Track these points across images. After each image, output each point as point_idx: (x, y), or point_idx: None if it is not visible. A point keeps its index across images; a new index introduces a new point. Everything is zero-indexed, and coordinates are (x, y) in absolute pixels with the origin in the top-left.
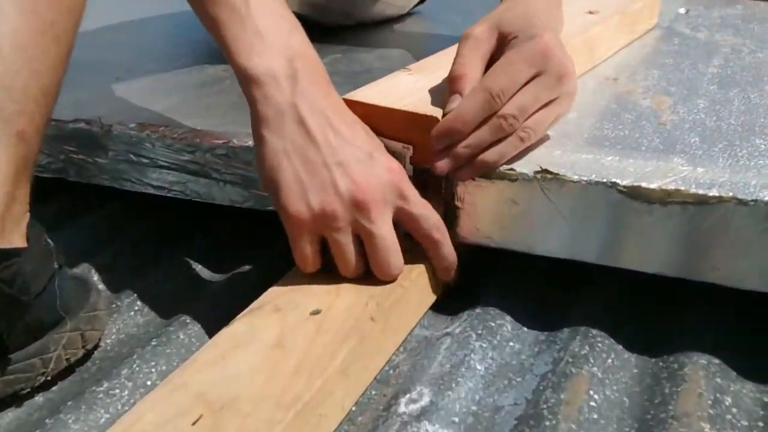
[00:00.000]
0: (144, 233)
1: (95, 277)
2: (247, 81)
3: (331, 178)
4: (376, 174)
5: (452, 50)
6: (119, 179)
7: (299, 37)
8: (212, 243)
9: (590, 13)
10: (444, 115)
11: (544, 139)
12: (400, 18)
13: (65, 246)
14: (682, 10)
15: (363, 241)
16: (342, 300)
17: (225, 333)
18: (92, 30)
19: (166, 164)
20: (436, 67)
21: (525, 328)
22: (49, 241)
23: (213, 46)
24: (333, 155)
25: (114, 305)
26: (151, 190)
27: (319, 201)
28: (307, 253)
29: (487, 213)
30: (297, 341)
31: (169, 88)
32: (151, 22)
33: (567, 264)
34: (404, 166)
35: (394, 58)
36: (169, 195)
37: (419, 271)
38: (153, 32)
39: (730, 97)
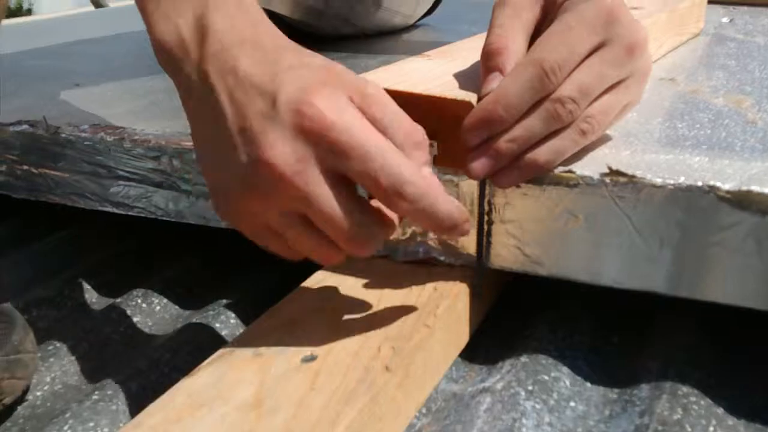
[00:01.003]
0: (102, 260)
1: (34, 313)
2: (157, 53)
3: (238, 161)
4: (279, 129)
5: (479, 37)
6: (72, 195)
7: None
8: (183, 271)
9: (633, 9)
10: (480, 99)
11: (604, 138)
12: (405, 29)
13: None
14: (725, 19)
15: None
16: (345, 342)
17: (184, 386)
18: (59, 44)
19: (126, 174)
20: (463, 53)
21: (589, 384)
22: None
23: None
24: (237, 121)
25: (51, 347)
26: (109, 208)
27: (236, 203)
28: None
29: (535, 231)
30: (283, 399)
31: (136, 92)
32: (126, 36)
33: (636, 296)
34: None
35: None
36: (131, 213)
37: (447, 304)
38: (127, 44)
39: None
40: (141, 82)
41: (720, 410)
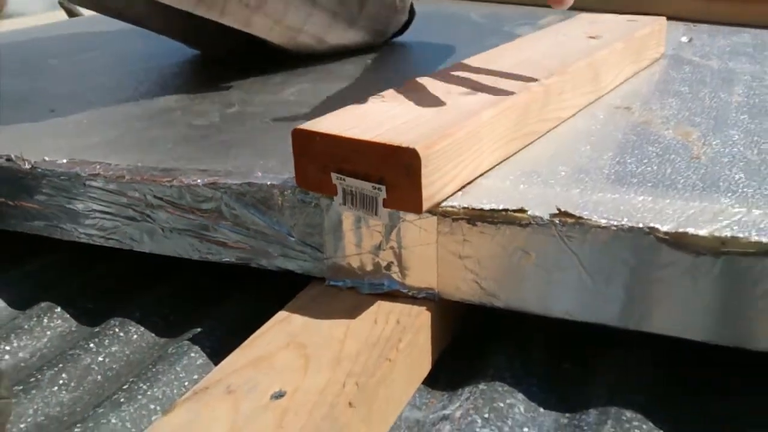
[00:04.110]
0: (78, 288)
1: (14, 344)
2: None
3: None
4: None
5: (439, 73)
6: (48, 227)
7: None
8: (159, 299)
9: (591, 38)
10: None
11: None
12: (378, 48)
13: None
14: (684, 39)
15: None
16: (312, 378)
17: (160, 426)
18: (32, 58)
19: (101, 208)
20: (416, 94)
21: (541, 409)
22: None
23: (165, 74)
24: None
25: (32, 379)
26: (85, 239)
27: None
28: None
29: (491, 266)
30: None
31: (110, 120)
32: (100, 51)
33: (583, 327)
34: (375, 212)
35: (370, 91)
36: (106, 245)
37: (409, 338)
38: (101, 60)
39: None
40: (115, 109)
41: None
